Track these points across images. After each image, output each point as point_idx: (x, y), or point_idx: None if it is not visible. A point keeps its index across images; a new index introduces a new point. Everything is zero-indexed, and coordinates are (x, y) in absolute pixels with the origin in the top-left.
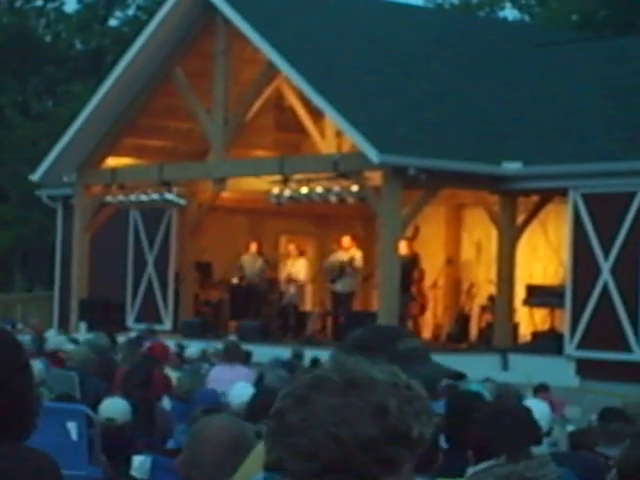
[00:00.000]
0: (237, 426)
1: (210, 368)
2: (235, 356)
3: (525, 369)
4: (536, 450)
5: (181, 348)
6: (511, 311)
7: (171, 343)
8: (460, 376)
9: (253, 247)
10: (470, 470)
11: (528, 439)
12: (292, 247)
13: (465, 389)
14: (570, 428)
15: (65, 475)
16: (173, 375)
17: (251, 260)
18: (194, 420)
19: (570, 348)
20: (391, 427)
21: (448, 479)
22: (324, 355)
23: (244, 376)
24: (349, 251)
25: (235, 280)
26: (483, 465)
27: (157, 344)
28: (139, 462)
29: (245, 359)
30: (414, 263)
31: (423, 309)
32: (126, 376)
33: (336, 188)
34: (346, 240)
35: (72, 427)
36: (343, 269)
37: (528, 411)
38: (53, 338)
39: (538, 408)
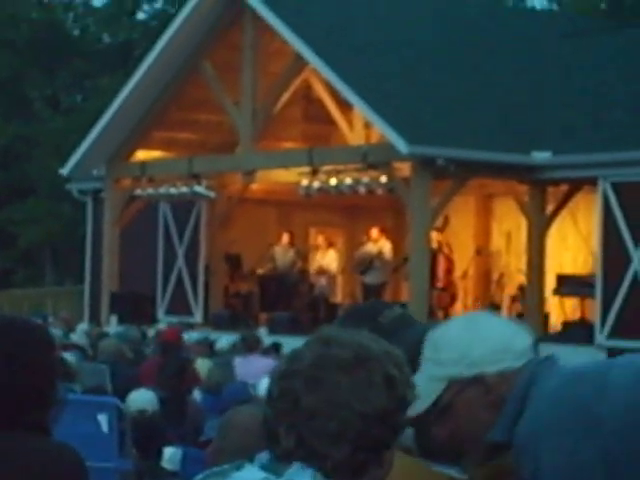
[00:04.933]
0: None
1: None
2: (252, 347)
3: None
4: None
5: (210, 341)
6: (541, 301)
7: (201, 336)
8: None
9: (285, 238)
10: None
11: None
12: (321, 238)
13: None
14: None
15: (96, 467)
16: (204, 366)
17: (283, 251)
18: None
19: (601, 337)
20: (398, 395)
21: None
22: None
23: (266, 367)
24: (378, 243)
25: (260, 271)
26: None
27: (170, 329)
28: (170, 454)
29: (263, 350)
30: (438, 252)
31: (453, 299)
32: (160, 368)
33: (365, 179)
34: (374, 232)
35: (103, 419)
36: (372, 262)
37: None
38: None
39: None
